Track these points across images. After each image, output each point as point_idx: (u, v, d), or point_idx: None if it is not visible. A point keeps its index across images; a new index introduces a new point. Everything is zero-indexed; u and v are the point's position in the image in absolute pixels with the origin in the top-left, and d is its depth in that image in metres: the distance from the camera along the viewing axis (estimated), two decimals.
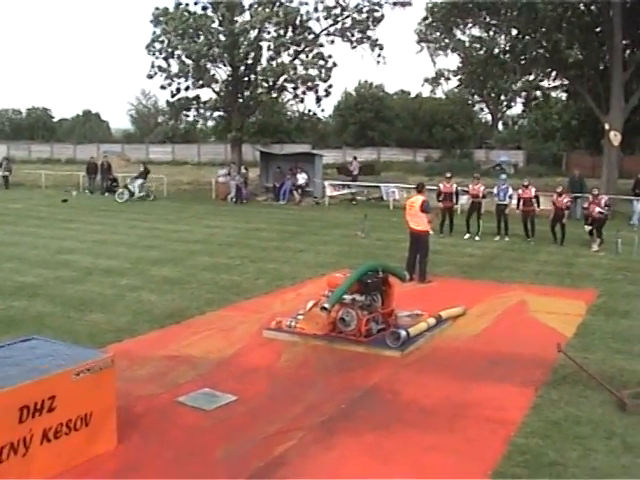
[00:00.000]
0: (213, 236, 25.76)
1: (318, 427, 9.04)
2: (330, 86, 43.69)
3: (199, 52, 39.86)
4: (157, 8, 41.89)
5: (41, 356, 8.20)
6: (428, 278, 18.31)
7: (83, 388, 7.84)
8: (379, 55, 43.62)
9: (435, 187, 27.71)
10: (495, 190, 26.55)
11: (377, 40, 43.27)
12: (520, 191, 25.94)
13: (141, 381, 10.52)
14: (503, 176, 27.87)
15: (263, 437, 8.70)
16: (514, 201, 26.33)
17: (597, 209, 24.11)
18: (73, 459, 7.79)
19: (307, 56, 42.98)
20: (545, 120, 63.89)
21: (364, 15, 42.45)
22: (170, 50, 40.98)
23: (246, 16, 41.79)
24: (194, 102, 44.09)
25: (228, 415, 9.38)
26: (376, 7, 42.13)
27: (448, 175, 27.20)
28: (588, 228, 24.42)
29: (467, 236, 25.89)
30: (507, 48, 39.69)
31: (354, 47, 43.49)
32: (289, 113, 67.62)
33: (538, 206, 25.70)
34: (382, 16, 42.47)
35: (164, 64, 42.14)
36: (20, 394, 7.25)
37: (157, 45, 41.77)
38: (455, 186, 26.85)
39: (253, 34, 41.26)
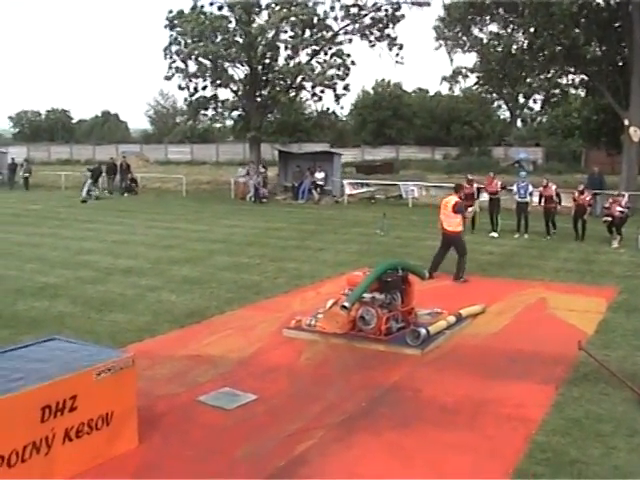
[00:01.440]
0: (232, 235, 25.81)
1: (338, 426, 9.04)
2: (348, 84, 43.73)
3: (216, 53, 39.91)
4: (170, 11, 42.00)
5: (62, 356, 8.24)
6: (465, 277, 18.21)
7: (104, 388, 7.87)
8: (397, 54, 43.63)
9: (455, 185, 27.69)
10: (515, 188, 26.52)
11: (396, 39, 43.24)
12: (541, 189, 25.93)
13: (162, 380, 10.55)
14: (523, 173, 27.76)
15: (284, 436, 8.70)
16: (535, 199, 26.34)
17: (618, 208, 24.08)
18: (95, 458, 7.82)
19: (325, 54, 42.99)
20: (565, 117, 63.65)
21: (382, 13, 42.38)
22: (187, 52, 41.00)
23: (263, 16, 41.86)
24: (212, 101, 44.17)
25: (249, 414, 9.39)
26: (395, 7, 42.08)
27: (470, 177, 27.21)
28: (607, 220, 24.32)
29: (492, 234, 25.84)
30: (525, 46, 39.56)
31: (372, 45, 43.44)
32: (307, 111, 67.63)
33: (560, 203, 25.72)
34: (402, 15, 42.47)
35: (182, 65, 42.27)
36: (42, 394, 7.28)
37: (174, 48, 41.86)
38: (476, 186, 26.87)
39: (270, 34, 41.27)
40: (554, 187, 25.97)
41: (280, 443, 8.52)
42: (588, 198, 25.24)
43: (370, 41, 43.17)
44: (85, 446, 7.71)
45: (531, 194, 26.16)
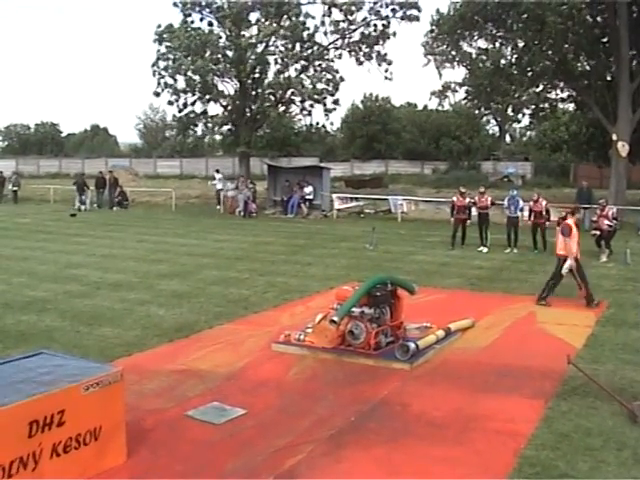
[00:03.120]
0: (221, 250, 25.77)
1: (327, 440, 9.02)
2: (337, 99, 43.76)
3: (204, 69, 39.83)
4: (159, 26, 41.90)
5: (50, 370, 8.21)
6: (547, 300, 17.28)
7: (92, 402, 7.84)
8: (386, 70, 43.71)
9: (443, 199, 27.79)
10: (505, 203, 26.55)
11: (385, 55, 43.32)
12: (531, 203, 25.92)
13: (150, 395, 10.52)
14: (514, 192, 27.51)
15: (272, 451, 8.68)
16: (526, 213, 26.37)
17: (606, 222, 24.12)
18: (83, 473, 7.78)
19: (314, 70, 43.05)
20: (553, 131, 63.89)
21: (371, 29, 42.50)
22: (176, 67, 40.93)
23: (253, 30, 41.89)
24: (201, 116, 44.15)
25: (237, 429, 9.37)
26: (384, 22, 42.18)
27: (462, 190, 27.23)
28: (595, 233, 24.35)
29: (481, 248, 25.80)
30: (513, 60, 39.74)
31: (361, 63, 43.51)
32: (297, 126, 67.73)
33: (548, 219, 25.70)
34: (394, 33, 42.64)
35: (170, 80, 42.18)
36: (30, 408, 7.26)
37: (162, 63, 41.80)
38: (468, 200, 26.87)
39: (260, 48, 41.30)
40: (544, 202, 25.97)
41: (269, 458, 8.50)
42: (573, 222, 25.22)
43: (358, 58, 43.23)
44: (73, 461, 7.67)
45: (522, 209, 26.18)
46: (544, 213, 25.65)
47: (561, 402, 10.33)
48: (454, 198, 27.26)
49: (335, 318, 12.25)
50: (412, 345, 12.30)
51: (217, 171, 44.98)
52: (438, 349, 13.00)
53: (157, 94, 42.92)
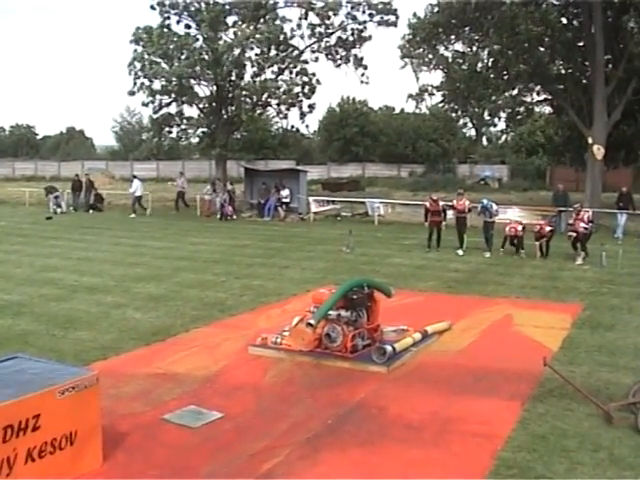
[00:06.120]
0: (198, 253, 25.69)
1: (304, 443, 9.01)
2: (314, 103, 43.78)
3: (181, 72, 39.62)
4: (138, 28, 41.67)
5: (25, 374, 8.15)
6: None
7: (68, 406, 7.79)
8: (363, 74, 43.76)
9: (420, 202, 27.76)
10: (479, 209, 26.53)
11: (362, 59, 43.38)
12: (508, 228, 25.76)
13: (126, 399, 10.46)
14: (485, 202, 27.12)
15: (249, 454, 8.66)
16: (502, 215, 26.36)
17: (582, 224, 24.23)
18: (58, 478, 7.72)
19: (291, 73, 43.02)
20: (529, 135, 64.17)
21: (349, 33, 42.54)
22: (152, 70, 40.66)
23: (230, 33, 41.78)
24: (177, 118, 43.99)
25: (214, 432, 9.34)
26: (361, 27, 42.21)
27: (434, 197, 27.17)
28: (571, 235, 24.43)
29: (458, 251, 25.80)
30: (490, 64, 39.83)
31: (338, 66, 43.55)
32: (273, 129, 67.57)
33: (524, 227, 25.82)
34: (369, 36, 42.66)
35: (147, 81, 41.93)
36: (4, 413, 7.19)
37: (138, 64, 41.51)
38: (442, 203, 26.89)
39: (237, 52, 41.17)
40: (521, 226, 25.90)
41: (246, 461, 8.48)
42: (548, 229, 25.29)
43: (335, 61, 43.26)
44: (48, 466, 7.62)
45: (496, 213, 26.17)
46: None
47: (537, 404, 10.37)
48: (427, 204, 27.24)
49: (312, 321, 12.25)
50: (389, 348, 12.31)
51: (134, 176, 44.48)
52: (415, 352, 13.02)
53: (132, 93, 42.55)
